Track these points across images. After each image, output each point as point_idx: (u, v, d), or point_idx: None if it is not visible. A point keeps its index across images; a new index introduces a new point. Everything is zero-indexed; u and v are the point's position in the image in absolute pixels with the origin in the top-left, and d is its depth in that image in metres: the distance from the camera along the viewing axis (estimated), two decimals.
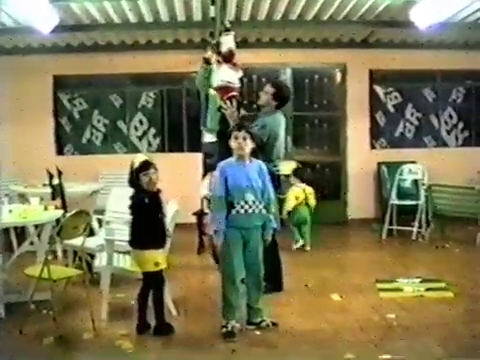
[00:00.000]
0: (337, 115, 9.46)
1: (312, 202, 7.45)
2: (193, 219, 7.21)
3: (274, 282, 5.13)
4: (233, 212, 4.21)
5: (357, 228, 8.82)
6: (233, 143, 4.29)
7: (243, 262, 4.30)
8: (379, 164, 9.12)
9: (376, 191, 9.26)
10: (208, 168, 5.93)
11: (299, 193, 7.37)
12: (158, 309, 4.30)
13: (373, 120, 9.45)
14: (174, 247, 4.69)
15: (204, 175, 6.65)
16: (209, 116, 5.45)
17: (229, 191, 4.21)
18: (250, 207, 4.23)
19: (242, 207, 4.21)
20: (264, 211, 4.32)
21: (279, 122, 5.24)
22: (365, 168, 9.21)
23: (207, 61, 5.38)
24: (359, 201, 9.24)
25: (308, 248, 7.29)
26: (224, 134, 4.72)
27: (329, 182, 9.50)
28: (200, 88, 5.62)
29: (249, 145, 4.28)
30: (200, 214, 7.06)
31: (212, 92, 5.39)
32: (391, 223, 8.02)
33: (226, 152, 4.48)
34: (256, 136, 4.53)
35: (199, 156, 7.92)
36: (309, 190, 7.45)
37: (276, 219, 4.61)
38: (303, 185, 7.46)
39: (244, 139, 4.26)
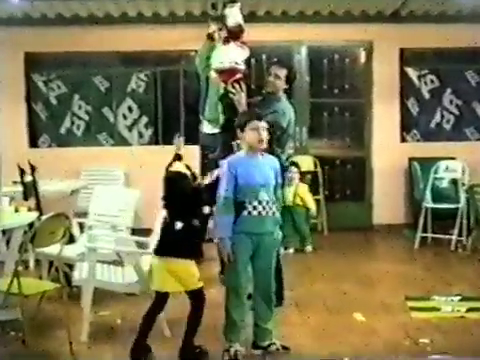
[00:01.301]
0: (361, 102, 9.45)
1: None
2: None
3: (277, 293, 5.05)
4: (244, 213, 4.22)
5: (384, 235, 8.81)
6: (251, 135, 4.28)
7: (252, 273, 4.30)
8: (411, 160, 9.09)
9: (407, 192, 9.23)
10: (210, 164, 5.90)
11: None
12: (193, 331, 4.26)
13: (404, 108, 9.42)
14: None
15: (203, 174, 6.61)
16: (208, 103, 5.42)
17: (240, 190, 4.22)
18: (264, 208, 4.24)
19: (255, 208, 4.22)
20: (277, 214, 4.35)
21: (291, 107, 5.27)
22: (394, 165, 9.19)
23: (211, 37, 5.33)
24: (387, 203, 9.20)
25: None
26: (231, 124, 4.69)
27: (351, 181, 9.52)
28: (200, 70, 5.59)
29: (266, 137, 4.32)
30: None
31: (213, 75, 5.36)
32: (425, 230, 8.02)
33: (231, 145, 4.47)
34: (277, 124, 4.53)
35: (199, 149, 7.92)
36: None
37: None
38: None
39: (263, 130, 4.28)
